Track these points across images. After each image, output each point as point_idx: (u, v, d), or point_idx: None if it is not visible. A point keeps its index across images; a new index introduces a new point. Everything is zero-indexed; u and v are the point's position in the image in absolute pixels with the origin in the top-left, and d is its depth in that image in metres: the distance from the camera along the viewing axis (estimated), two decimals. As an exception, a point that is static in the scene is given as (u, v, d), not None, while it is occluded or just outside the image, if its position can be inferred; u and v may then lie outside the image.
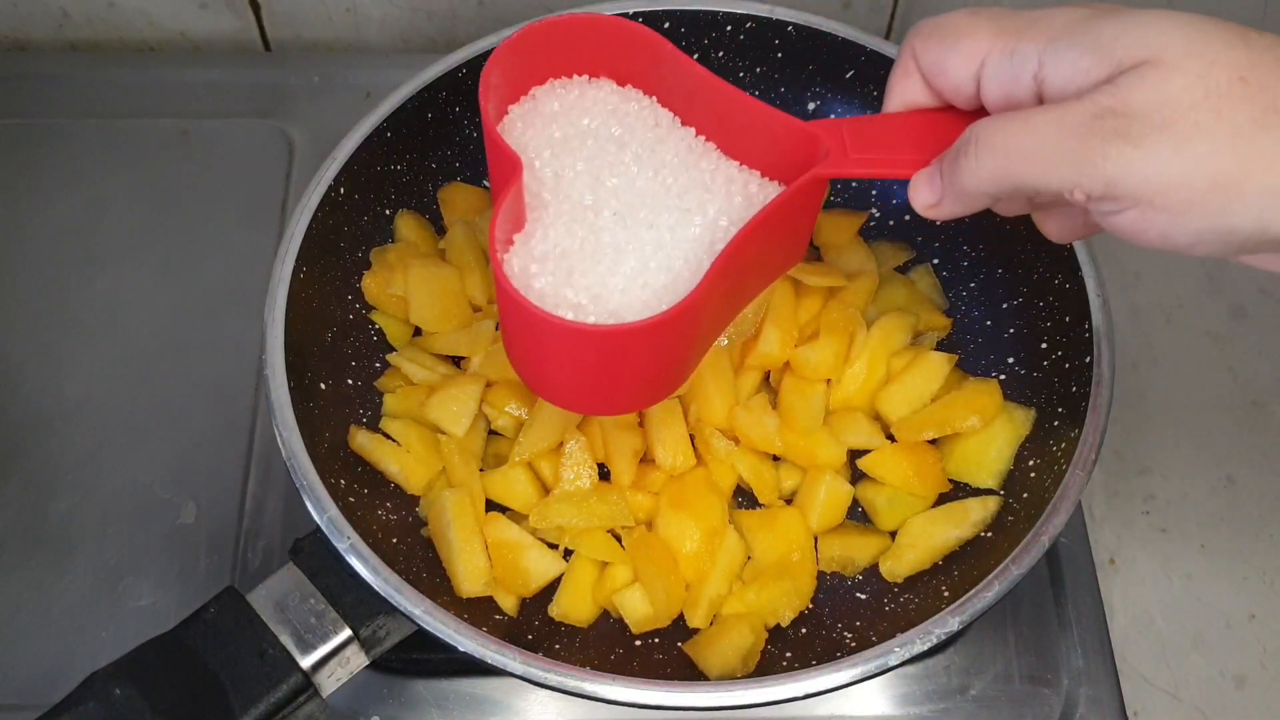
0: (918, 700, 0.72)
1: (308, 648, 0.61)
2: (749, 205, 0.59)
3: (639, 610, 0.68)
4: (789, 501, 0.74)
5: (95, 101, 0.98)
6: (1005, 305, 0.79)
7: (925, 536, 0.71)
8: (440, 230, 0.83)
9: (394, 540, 0.68)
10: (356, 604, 0.62)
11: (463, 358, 0.78)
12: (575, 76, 0.63)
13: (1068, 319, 0.72)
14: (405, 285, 0.78)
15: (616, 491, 0.71)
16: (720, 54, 0.85)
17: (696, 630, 0.69)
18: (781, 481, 0.74)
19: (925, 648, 0.60)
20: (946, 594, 0.65)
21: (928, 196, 0.52)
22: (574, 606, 0.69)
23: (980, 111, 0.52)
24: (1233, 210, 0.43)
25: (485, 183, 0.86)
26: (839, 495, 0.72)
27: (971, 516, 0.70)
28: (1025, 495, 0.69)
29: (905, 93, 0.54)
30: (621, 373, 0.57)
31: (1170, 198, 0.43)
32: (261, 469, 0.80)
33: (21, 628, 0.74)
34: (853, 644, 0.66)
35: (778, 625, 0.69)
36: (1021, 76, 0.48)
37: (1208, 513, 0.85)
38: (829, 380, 0.75)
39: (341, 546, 0.62)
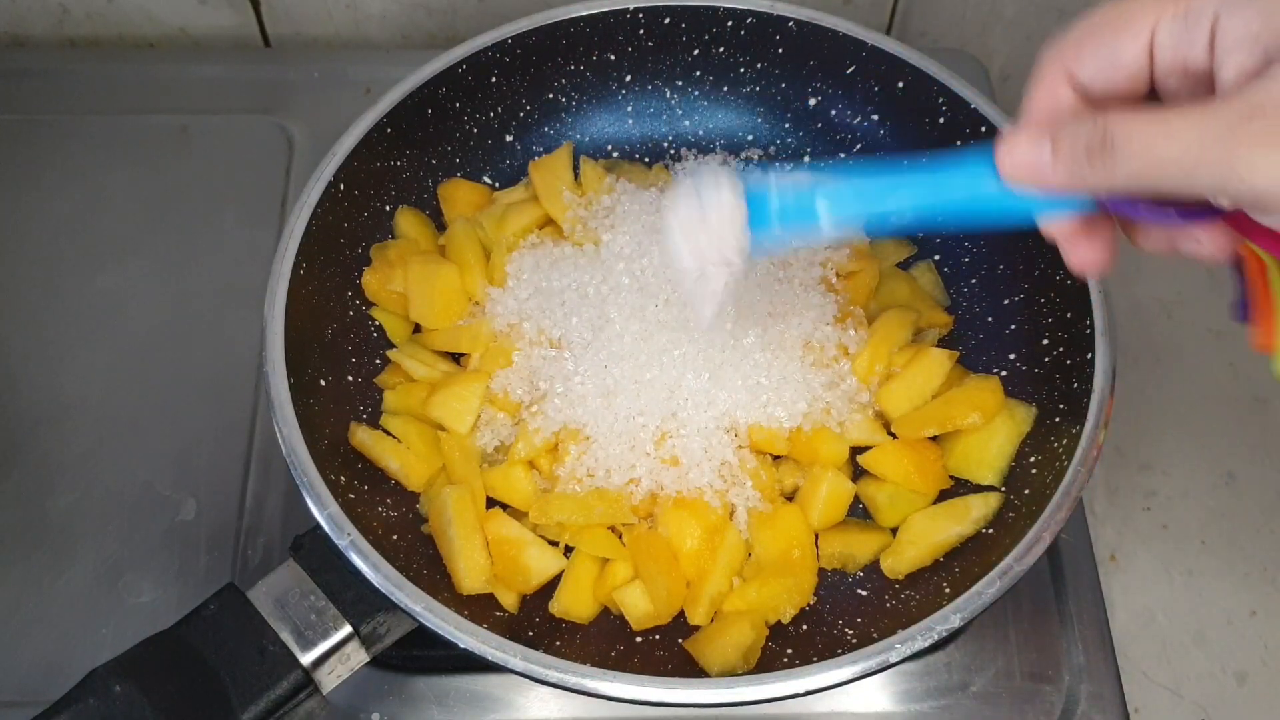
0: (919, 697, 0.72)
1: (308, 644, 0.61)
2: None
3: (639, 607, 0.68)
4: (790, 498, 0.74)
5: (95, 98, 0.98)
6: (1007, 301, 0.79)
7: (926, 533, 0.70)
8: (440, 227, 0.83)
9: (394, 537, 0.68)
10: (357, 601, 0.62)
11: (462, 354, 0.77)
12: None
13: (1069, 315, 0.72)
14: (405, 282, 0.78)
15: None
16: (721, 49, 0.85)
17: (697, 627, 0.69)
18: (782, 479, 0.74)
19: (926, 644, 0.60)
20: (948, 590, 0.65)
21: (1028, 162, 0.47)
22: (574, 603, 0.69)
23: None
24: None
25: (485, 179, 0.86)
26: (840, 492, 0.72)
27: (973, 513, 0.70)
28: (1026, 492, 0.69)
29: (1052, 103, 0.49)
30: None
31: None
32: (262, 465, 0.80)
33: (21, 624, 0.74)
34: (854, 641, 0.66)
35: (779, 622, 0.68)
36: (1197, 38, 0.44)
37: (1209, 509, 0.85)
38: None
39: (342, 543, 0.62)
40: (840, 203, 0.54)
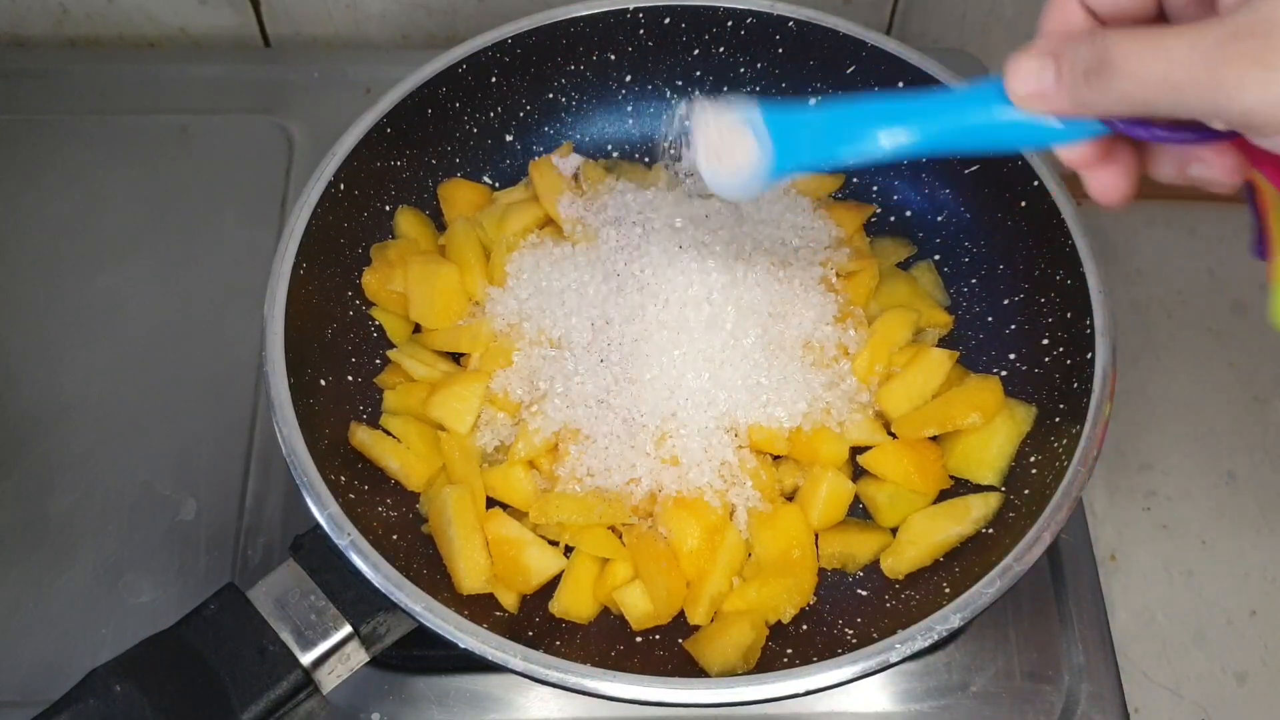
0: (919, 697, 0.72)
1: (308, 644, 0.61)
2: None
3: (640, 607, 0.68)
4: (790, 498, 0.74)
5: (94, 97, 0.98)
6: (1007, 301, 0.79)
7: (926, 533, 0.70)
8: (440, 226, 0.83)
9: (394, 537, 0.68)
10: (357, 601, 0.62)
11: (462, 354, 0.77)
12: None
13: (1069, 315, 0.72)
14: (405, 282, 0.78)
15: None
16: (721, 49, 0.85)
17: (697, 627, 0.69)
18: (782, 479, 0.74)
19: (926, 644, 0.60)
20: (948, 590, 0.65)
21: (1033, 85, 0.48)
22: (574, 603, 0.69)
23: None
24: None
25: (485, 178, 0.86)
26: (840, 492, 0.72)
27: (973, 513, 0.70)
28: (1026, 492, 0.69)
29: (1063, 23, 0.49)
30: None
31: None
32: (262, 465, 0.80)
33: (21, 625, 0.74)
34: (854, 640, 0.66)
35: (779, 622, 0.68)
36: None
37: (1209, 509, 0.85)
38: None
39: (342, 543, 0.62)
40: (856, 129, 0.54)
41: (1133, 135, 0.49)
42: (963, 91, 0.52)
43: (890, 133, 0.53)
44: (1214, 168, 0.49)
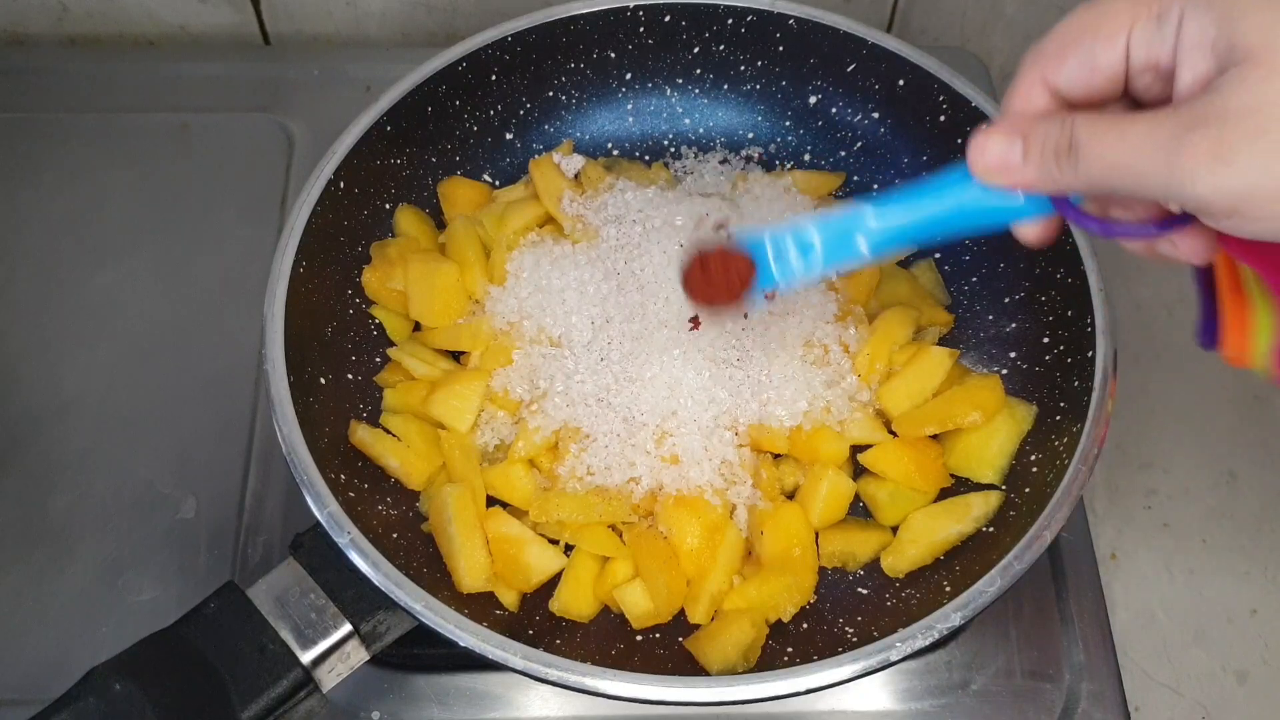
0: (919, 695, 0.72)
1: (308, 643, 0.61)
2: None
3: (640, 605, 0.68)
4: (791, 497, 0.74)
5: (94, 96, 0.98)
6: (1007, 300, 0.78)
7: (927, 531, 0.70)
8: (440, 225, 0.83)
9: (394, 535, 0.68)
10: (357, 599, 0.62)
11: (462, 353, 0.77)
12: None
13: (1070, 313, 0.72)
14: (405, 280, 0.78)
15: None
16: (721, 47, 0.85)
17: (697, 626, 0.69)
18: (783, 477, 0.74)
19: (927, 643, 0.60)
20: (948, 589, 0.65)
21: (997, 159, 0.49)
22: (575, 601, 0.69)
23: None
24: None
25: (485, 177, 0.86)
26: (841, 491, 0.72)
27: (973, 511, 0.70)
28: (1027, 490, 0.69)
29: (1028, 104, 0.50)
30: None
31: (1263, 209, 0.42)
32: (261, 464, 0.80)
33: (21, 623, 0.74)
34: (854, 639, 0.66)
35: (779, 620, 0.68)
36: (1166, 38, 0.46)
37: (1209, 507, 0.85)
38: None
39: (342, 541, 0.62)
40: (836, 240, 0.58)
41: (1089, 230, 0.51)
42: (926, 182, 0.55)
43: (866, 236, 0.57)
44: (1179, 249, 0.51)
